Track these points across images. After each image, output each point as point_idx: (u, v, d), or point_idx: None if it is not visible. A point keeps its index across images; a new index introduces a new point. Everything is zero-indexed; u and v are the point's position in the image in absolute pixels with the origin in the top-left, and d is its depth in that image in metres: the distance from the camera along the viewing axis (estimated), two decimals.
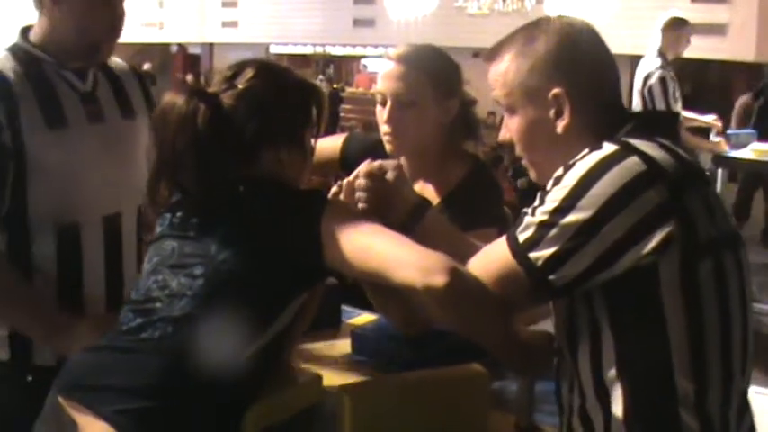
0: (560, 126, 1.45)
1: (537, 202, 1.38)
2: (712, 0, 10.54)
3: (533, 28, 1.49)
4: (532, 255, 1.36)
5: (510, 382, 1.84)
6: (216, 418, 1.52)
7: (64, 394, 1.52)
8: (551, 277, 1.35)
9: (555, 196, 1.35)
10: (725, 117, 7.05)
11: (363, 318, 2.29)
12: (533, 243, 1.36)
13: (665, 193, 1.31)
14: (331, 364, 2.05)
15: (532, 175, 1.54)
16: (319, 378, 1.85)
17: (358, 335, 2.13)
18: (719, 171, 5.81)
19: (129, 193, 2.02)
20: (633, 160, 1.33)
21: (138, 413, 1.46)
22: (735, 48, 11.34)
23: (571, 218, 1.32)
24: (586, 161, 1.35)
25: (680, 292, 1.33)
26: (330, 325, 2.25)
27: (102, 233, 1.99)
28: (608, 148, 1.36)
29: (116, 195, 2.01)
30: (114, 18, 1.96)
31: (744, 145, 5.84)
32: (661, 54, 5.60)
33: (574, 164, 1.37)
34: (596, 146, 1.37)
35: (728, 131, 6.31)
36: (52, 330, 1.86)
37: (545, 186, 1.39)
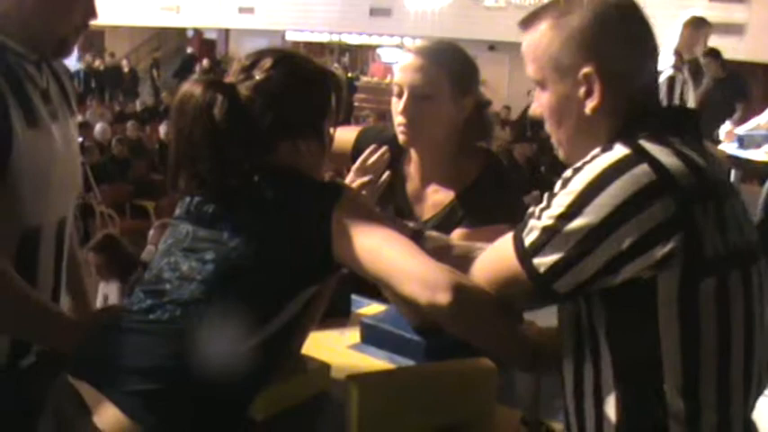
0: (589, 107, 1.39)
1: (544, 204, 1.35)
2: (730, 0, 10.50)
3: None
4: (536, 260, 1.33)
5: (517, 377, 1.85)
6: (222, 404, 1.53)
7: (74, 374, 1.53)
8: (554, 285, 1.33)
9: (561, 201, 1.31)
10: (743, 118, 7.00)
11: (373, 308, 2.31)
12: (537, 248, 1.33)
13: (672, 207, 1.26)
14: (339, 353, 2.06)
15: (560, 153, 1.49)
16: (327, 367, 1.86)
17: (367, 325, 2.14)
18: (733, 172, 5.78)
19: (73, 197, 1.95)
20: (643, 168, 1.28)
21: (146, 395, 1.46)
22: (753, 48, 11.29)
23: (575, 225, 1.29)
24: (595, 165, 1.31)
25: (677, 309, 1.29)
26: (340, 314, 2.26)
27: (54, 238, 1.86)
28: (619, 151, 1.31)
29: (67, 198, 1.90)
30: (88, 14, 1.81)
31: (758, 145, 5.80)
32: (677, 53, 5.55)
33: (583, 166, 1.33)
34: (608, 146, 1.33)
35: (742, 132, 6.27)
36: (67, 334, 1.71)
37: (553, 187, 1.36)
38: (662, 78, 5.46)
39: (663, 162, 1.29)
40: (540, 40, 1.42)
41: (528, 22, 1.45)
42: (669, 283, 1.28)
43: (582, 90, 1.39)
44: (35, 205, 1.76)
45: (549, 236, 1.31)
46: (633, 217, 1.26)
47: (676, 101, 5.40)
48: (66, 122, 1.89)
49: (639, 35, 1.41)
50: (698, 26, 5.60)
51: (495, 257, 1.43)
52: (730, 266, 1.33)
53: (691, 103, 5.57)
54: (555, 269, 1.32)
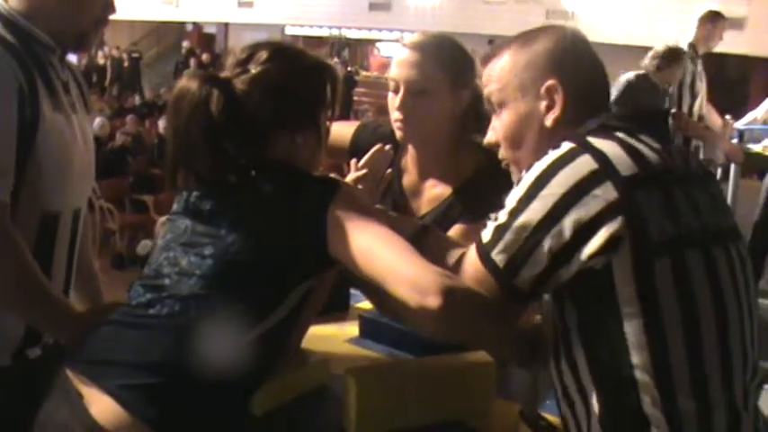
0: (550, 118, 1.46)
1: (503, 203, 1.40)
2: None
3: (533, 32, 1.53)
4: (495, 258, 1.37)
5: (516, 371, 1.85)
6: (220, 399, 1.53)
7: (72, 367, 1.54)
8: (515, 281, 1.36)
9: (512, 197, 1.37)
10: (742, 112, 6.99)
11: None
12: (493, 245, 1.38)
13: (612, 192, 1.30)
14: (338, 347, 2.06)
15: (515, 177, 1.54)
16: (326, 361, 1.86)
17: (366, 318, 2.14)
18: (732, 166, 5.77)
19: (88, 190, 1.98)
20: (585, 159, 1.33)
21: (142, 389, 1.47)
22: (753, 42, 11.30)
23: (523, 219, 1.34)
24: (543, 161, 1.36)
25: (635, 294, 1.31)
26: (338, 308, 2.26)
27: (70, 228, 1.90)
28: (564, 146, 1.36)
29: (83, 189, 1.94)
30: (107, 8, 1.87)
31: (757, 140, 5.80)
32: (691, 46, 5.50)
33: (534, 165, 1.38)
34: (557, 144, 1.38)
35: (742, 127, 6.26)
36: (75, 327, 1.72)
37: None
38: None
39: (605, 152, 1.34)
40: (505, 63, 1.52)
41: (491, 53, 1.55)
42: (623, 268, 1.31)
43: (544, 104, 1.47)
44: (56, 189, 1.82)
45: (502, 232, 1.37)
46: (574, 205, 1.31)
47: (686, 89, 5.41)
48: (84, 117, 1.94)
49: (594, 60, 1.53)
50: (714, 20, 5.57)
51: (467, 262, 1.46)
52: (685, 247, 1.34)
53: (702, 96, 5.53)
54: (512, 265, 1.36)
